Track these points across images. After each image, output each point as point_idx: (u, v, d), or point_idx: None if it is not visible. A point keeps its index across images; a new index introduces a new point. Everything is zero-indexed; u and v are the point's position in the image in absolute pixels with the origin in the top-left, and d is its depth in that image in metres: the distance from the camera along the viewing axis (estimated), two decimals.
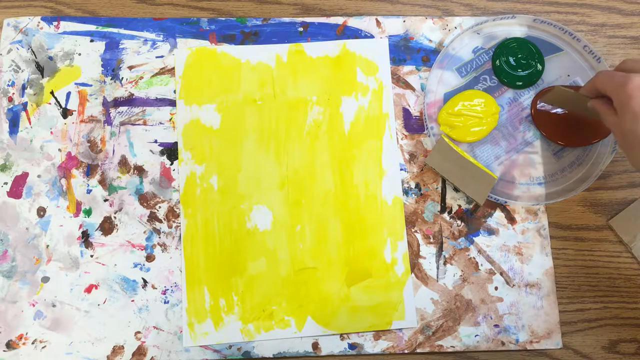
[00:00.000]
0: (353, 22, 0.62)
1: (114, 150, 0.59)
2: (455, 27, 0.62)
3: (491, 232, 0.58)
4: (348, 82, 0.61)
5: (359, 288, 0.56)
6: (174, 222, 0.57)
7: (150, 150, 0.59)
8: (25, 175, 0.58)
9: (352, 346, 0.55)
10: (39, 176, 0.58)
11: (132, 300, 0.55)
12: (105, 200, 0.57)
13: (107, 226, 0.57)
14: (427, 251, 0.57)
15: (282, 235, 0.57)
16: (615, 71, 0.49)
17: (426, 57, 0.62)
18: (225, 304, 0.55)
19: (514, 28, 0.62)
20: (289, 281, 0.56)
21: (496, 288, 0.57)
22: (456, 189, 0.59)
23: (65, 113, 0.59)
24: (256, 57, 0.61)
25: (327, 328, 0.55)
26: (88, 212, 0.57)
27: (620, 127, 0.47)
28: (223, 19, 0.62)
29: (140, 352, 0.54)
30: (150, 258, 0.56)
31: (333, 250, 0.57)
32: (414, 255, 0.57)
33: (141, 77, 0.60)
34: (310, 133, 0.59)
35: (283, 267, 0.56)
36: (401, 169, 0.59)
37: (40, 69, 0.60)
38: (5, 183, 0.57)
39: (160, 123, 0.59)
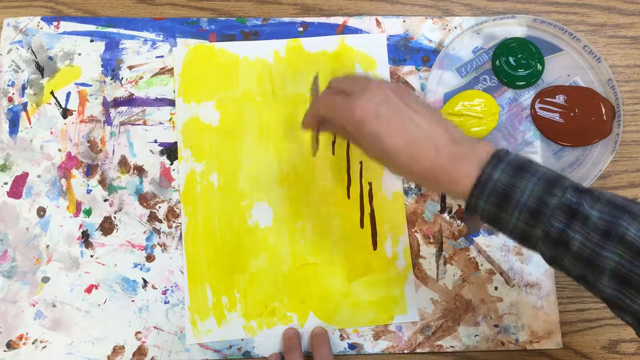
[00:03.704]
0: (353, 22, 0.62)
1: (113, 150, 0.59)
2: (455, 27, 0.62)
3: (491, 232, 0.58)
4: None
5: (361, 283, 0.56)
6: (174, 222, 0.57)
7: (150, 150, 0.59)
8: (25, 175, 0.58)
9: (352, 346, 0.55)
10: (39, 176, 0.58)
11: (133, 301, 0.55)
12: (105, 200, 0.57)
13: (107, 226, 0.57)
14: (427, 251, 0.57)
15: (283, 231, 0.57)
16: (333, 96, 0.45)
17: (426, 57, 0.62)
18: (227, 301, 0.55)
19: (514, 28, 0.62)
20: (290, 277, 0.56)
21: (496, 288, 0.57)
22: None
23: (65, 113, 0.59)
24: (254, 54, 0.61)
25: (329, 324, 0.55)
26: (88, 212, 0.57)
27: (367, 148, 0.44)
28: (223, 19, 0.62)
29: (140, 352, 0.55)
30: (150, 258, 0.56)
31: (334, 246, 0.57)
32: (414, 255, 0.57)
33: (141, 77, 0.60)
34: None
35: (284, 264, 0.56)
36: None
37: (40, 69, 0.60)
38: (5, 183, 0.57)
39: (160, 123, 0.59)
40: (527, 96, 0.60)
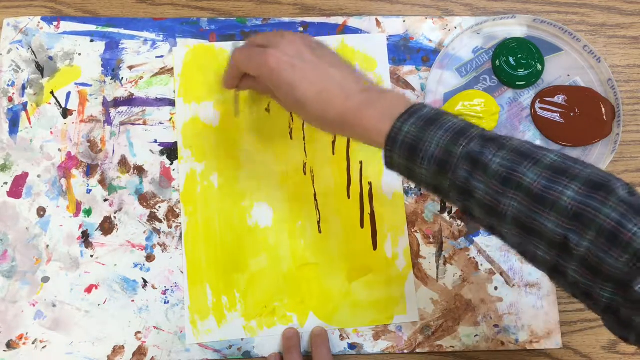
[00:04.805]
0: (353, 22, 0.62)
1: (114, 150, 0.59)
2: (455, 27, 0.62)
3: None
4: None
5: (361, 283, 0.56)
6: (174, 222, 0.57)
7: (150, 150, 0.59)
8: (25, 175, 0.58)
9: (351, 346, 0.55)
10: (39, 176, 0.58)
11: (132, 301, 0.55)
12: (105, 200, 0.57)
13: (107, 226, 0.57)
14: (427, 251, 0.57)
15: (283, 231, 0.57)
16: (248, 49, 0.47)
17: (426, 57, 0.62)
18: (227, 301, 0.55)
19: (514, 28, 0.62)
20: (290, 277, 0.56)
21: (496, 288, 0.57)
22: None
23: (65, 113, 0.59)
24: None
25: (329, 324, 0.55)
26: (88, 212, 0.57)
27: (283, 99, 0.46)
28: (223, 19, 0.62)
29: (140, 352, 0.55)
30: (150, 258, 0.56)
31: (334, 246, 0.57)
32: (414, 255, 0.57)
33: (141, 77, 0.60)
34: (309, 129, 0.59)
35: (284, 264, 0.56)
36: None
37: (40, 69, 0.60)
38: (5, 183, 0.58)
39: (160, 123, 0.59)
40: (527, 96, 0.60)
